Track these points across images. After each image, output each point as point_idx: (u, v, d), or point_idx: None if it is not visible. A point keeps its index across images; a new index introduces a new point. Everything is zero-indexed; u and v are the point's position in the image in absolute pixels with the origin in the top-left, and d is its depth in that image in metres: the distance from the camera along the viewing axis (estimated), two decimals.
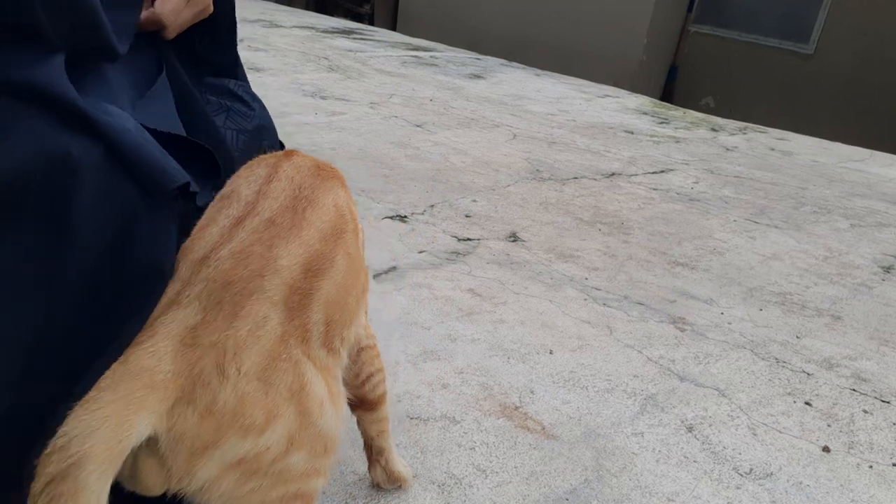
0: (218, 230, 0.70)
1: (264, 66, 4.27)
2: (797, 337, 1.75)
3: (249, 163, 0.82)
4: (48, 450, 0.53)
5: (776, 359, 1.63)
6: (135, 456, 0.58)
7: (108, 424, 0.54)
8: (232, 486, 0.62)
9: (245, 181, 0.76)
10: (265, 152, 0.86)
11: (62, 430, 0.54)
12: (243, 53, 4.45)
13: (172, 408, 0.58)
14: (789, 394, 1.48)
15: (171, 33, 0.93)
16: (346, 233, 0.76)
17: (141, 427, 0.56)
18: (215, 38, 1.02)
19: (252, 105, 1.04)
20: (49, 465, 0.52)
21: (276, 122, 2.81)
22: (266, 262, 0.66)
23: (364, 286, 0.84)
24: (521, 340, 1.57)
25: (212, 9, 0.95)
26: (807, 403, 1.46)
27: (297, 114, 3.29)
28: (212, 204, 0.76)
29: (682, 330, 1.71)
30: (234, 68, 1.06)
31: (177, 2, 0.88)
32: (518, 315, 1.69)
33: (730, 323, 1.77)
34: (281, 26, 6.07)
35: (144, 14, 0.88)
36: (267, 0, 8.51)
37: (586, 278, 1.94)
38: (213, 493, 0.61)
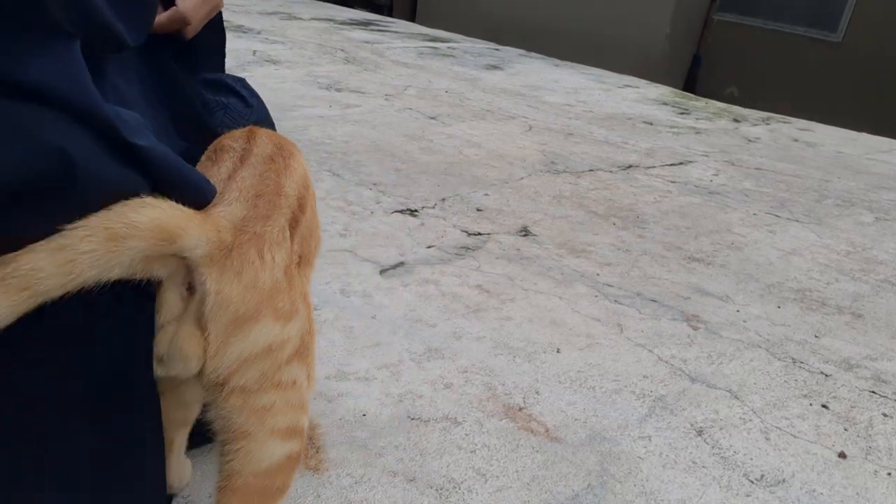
0: (229, 163, 0.78)
1: (281, 58, 4.26)
2: (816, 336, 1.69)
3: (224, 134, 0.86)
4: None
5: (793, 359, 1.57)
6: (178, 325, 0.65)
7: (171, 218, 0.61)
8: (253, 381, 0.67)
9: (229, 139, 0.83)
10: None
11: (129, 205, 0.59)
12: (260, 45, 4.44)
13: (222, 275, 0.64)
14: (805, 396, 1.43)
15: (192, 32, 0.92)
16: (311, 187, 0.85)
17: (194, 238, 0.63)
18: (212, 39, 1.03)
19: (249, 101, 1.03)
20: (105, 219, 0.58)
21: (290, 115, 2.80)
22: (279, 187, 0.76)
23: (318, 240, 0.90)
24: (528, 338, 1.54)
25: (223, 5, 0.94)
26: (823, 406, 1.40)
27: (312, 106, 3.28)
28: (205, 155, 0.82)
29: (696, 328, 1.66)
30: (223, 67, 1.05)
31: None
32: (526, 312, 1.65)
33: (745, 321, 1.72)
34: (299, 18, 6.06)
35: (168, 13, 0.87)
36: None
37: (598, 274, 1.90)
38: (237, 382, 0.66)
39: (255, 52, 4.31)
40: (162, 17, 0.87)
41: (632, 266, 1.97)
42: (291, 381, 0.70)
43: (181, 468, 0.97)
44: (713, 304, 1.79)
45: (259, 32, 5.07)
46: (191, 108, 0.94)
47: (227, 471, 0.69)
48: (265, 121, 1.05)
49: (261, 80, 3.61)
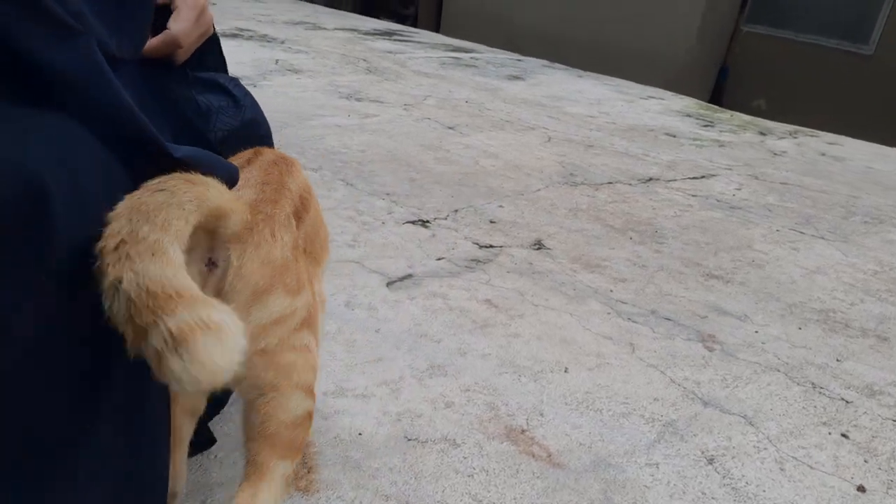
0: (237, 163, 0.83)
1: (303, 67, 4.27)
2: (838, 360, 1.62)
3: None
4: (117, 211, 0.57)
5: (812, 384, 1.51)
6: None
7: (190, 196, 0.61)
8: (273, 345, 0.74)
9: (236, 159, 0.88)
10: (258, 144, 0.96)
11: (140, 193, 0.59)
12: (283, 54, 4.47)
13: (245, 251, 0.70)
14: (824, 424, 1.37)
15: (184, 55, 0.92)
16: (313, 193, 0.91)
17: (238, 217, 0.68)
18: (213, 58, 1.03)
19: (241, 101, 1.02)
20: (121, 222, 0.56)
21: (308, 123, 2.78)
22: (282, 182, 0.81)
23: (325, 239, 0.96)
24: (536, 357, 1.49)
25: (213, 29, 0.93)
26: (843, 435, 1.34)
27: (331, 115, 3.27)
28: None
29: (711, 349, 1.60)
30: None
31: (188, 22, 0.87)
32: (535, 329, 1.60)
33: (764, 342, 1.66)
34: (324, 28, 6.09)
35: (160, 37, 0.86)
36: (313, 3, 8.58)
37: (612, 290, 1.84)
38: (258, 346, 0.71)
39: (277, 62, 4.33)
40: (154, 40, 0.86)
41: (647, 282, 1.92)
42: (305, 345, 0.77)
43: (183, 468, 0.96)
44: (731, 323, 1.73)
45: (283, 42, 5.10)
46: (183, 114, 0.92)
47: (261, 417, 0.76)
48: (259, 119, 1.03)
49: (282, 89, 3.62)
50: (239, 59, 4.24)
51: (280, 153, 0.90)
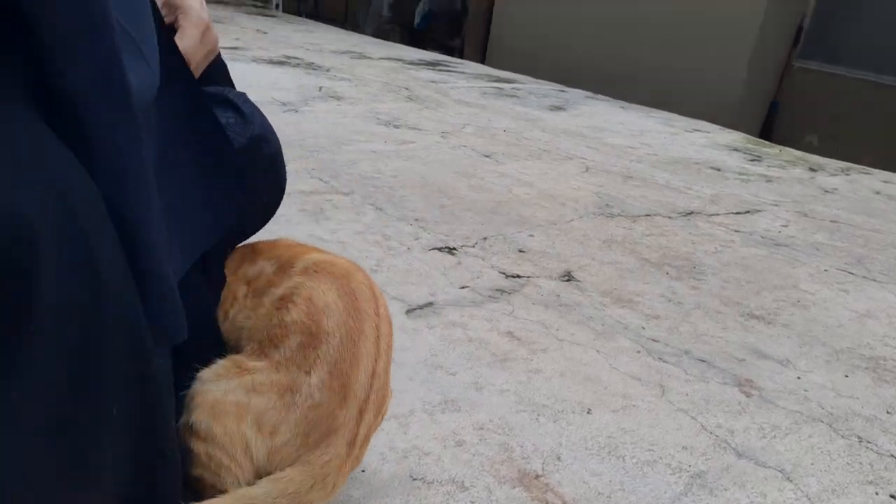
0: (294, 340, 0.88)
1: (345, 95, 4.30)
2: (888, 412, 1.49)
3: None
4: None
5: (859, 437, 1.38)
6: None
7: None
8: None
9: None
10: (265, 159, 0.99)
11: None
12: (327, 82, 4.52)
13: None
14: (870, 482, 1.24)
15: (194, 72, 0.90)
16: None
17: None
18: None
19: (250, 116, 0.99)
20: None
21: (344, 148, 2.77)
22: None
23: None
24: (557, 395, 1.41)
25: (218, 49, 0.92)
26: (892, 497, 1.21)
27: (367, 142, 3.26)
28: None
29: (749, 395, 1.49)
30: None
31: (193, 39, 0.85)
32: (558, 365, 1.52)
33: (807, 390, 1.54)
34: (369, 58, 6.16)
35: None
36: (362, 34, 8.73)
37: (643, 327, 1.75)
38: None
39: (320, 88, 4.37)
40: None
41: (682, 320, 1.82)
42: None
43: None
44: (771, 368, 1.61)
45: (328, 70, 5.16)
46: (205, 135, 0.90)
47: None
48: (266, 137, 1.00)
49: (322, 115, 3.64)
50: (284, 86, 4.30)
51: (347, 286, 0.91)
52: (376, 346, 0.86)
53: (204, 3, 0.88)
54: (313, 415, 0.81)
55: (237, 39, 6.23)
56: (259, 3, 10.57)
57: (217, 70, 0.97)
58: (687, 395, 1.46)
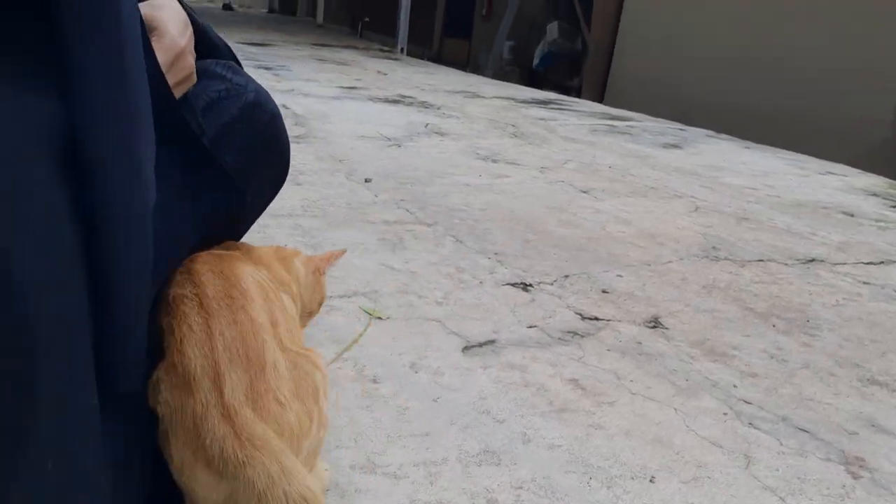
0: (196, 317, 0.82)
1: (450, 131, 4.28)
2: None
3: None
4: None
5: None
6: None
7: None
8: None
9: (176, 288, 0.87)
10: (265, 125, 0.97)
11: None
12: (435, 119, 4.57)
13: None
14: None
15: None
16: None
17: None
18: None
19: (242, 87, 0.97)
20: None
21: (438, 181, 2.70)
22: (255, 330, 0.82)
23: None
24: (616, 457, 1.22)
25: (195, 78, 0.86)
26: None
27: (461, 175, 3.19)
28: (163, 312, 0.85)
29: (857, 476, 1.22)
30: None
31: (162, 67, 0.79)
32: (625, 421, 1.33)
33: None
34: (481, 97, 6.16)
35: None
36: (481, 75, 8.81)
37: (735, 385, 1.51)
38: None
39: (427, 125, 4.39)
40: None
41: (785, 381, 1.56)
42: None
43: None
44: (889, 445, 1.33)
45: (439, 108, 5.19)
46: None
47: None
48: (259, 101, 0.97)
49: (424, 150, 3.62)
50: (393, 122, 4.35)
51: (219, 265, 0.85)
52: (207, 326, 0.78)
53: (186, 30, 0.82)
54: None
55: (358, 80, 6.45)
56: (385, 48, 10.99)
57: (211, 45, 0.94)
58: (778, 469, 1.22)
